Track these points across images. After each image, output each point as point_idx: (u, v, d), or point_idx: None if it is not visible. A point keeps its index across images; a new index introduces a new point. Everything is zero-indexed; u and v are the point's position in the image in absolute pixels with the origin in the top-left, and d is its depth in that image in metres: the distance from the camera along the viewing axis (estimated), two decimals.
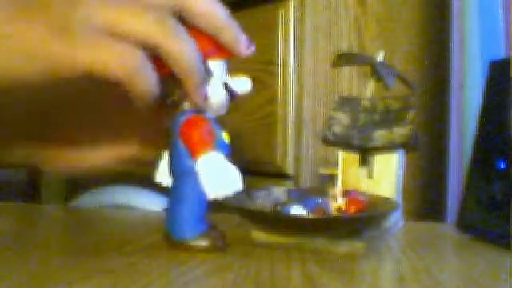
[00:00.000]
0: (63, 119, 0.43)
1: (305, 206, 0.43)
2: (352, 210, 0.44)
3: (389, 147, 0.49)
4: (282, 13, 0.90)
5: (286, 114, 0.89)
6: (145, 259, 0.37)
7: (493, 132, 0.47)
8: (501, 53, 0.85)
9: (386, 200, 0.45)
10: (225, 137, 0.39)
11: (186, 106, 0.38)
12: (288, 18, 0.89)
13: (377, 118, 0.51)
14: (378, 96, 0.53)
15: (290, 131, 0.89)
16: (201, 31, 0.36)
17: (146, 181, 0.46)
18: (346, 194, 0.45)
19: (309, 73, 0.89)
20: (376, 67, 0.53)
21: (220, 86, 0.38)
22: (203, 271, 0.34)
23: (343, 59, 0.58)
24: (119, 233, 0.47)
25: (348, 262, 0.38)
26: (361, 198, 0.45)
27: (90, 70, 0.33)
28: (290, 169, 0.89)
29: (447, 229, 0.58)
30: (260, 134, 0.93)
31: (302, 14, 0.89)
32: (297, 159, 0.89)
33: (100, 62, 0.33)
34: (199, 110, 0.38)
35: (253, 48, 0.38)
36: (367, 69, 0.55)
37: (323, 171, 0.67)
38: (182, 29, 0.34)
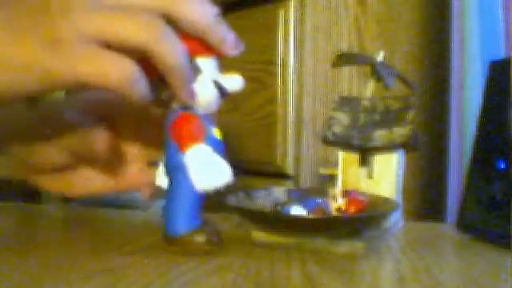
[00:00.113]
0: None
1: (305, 206, 0.43)
2: (352, 209, 0.44)
3: (389, 147, 0.49)
4: (282, 13, 0.90)
5: (285, 114, 0.89)
6: (145, 259, 0.37)
7: (493, 132, 0.47)
8: (501, 53, 0.85)
9: (386, 200, 0.45)
10: (216, 133, 0.40)
11: (175, 104, 0.39)
12: (288, 18, 0.89)
13: (377, 117, 0.51)
14: (377, 96, 0.53)
15: (290, 131, 0.89)
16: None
17: None
18: (345, 194, 0.45)
19: (309, 73, 0.89)
20: (376, 67, 0.53)
21: (209, 83, 0.39)
22: (203, 271, 0.34)
23: (343, 59, 0.58)
24: (119, 233, 0.47)
25: (348, 262, 0.38)
26: (361, 197, 0.45)
27: (84, 82, 0.34)
28: (290, 169, 0.89)
29: (447, 229, 0.58)
30: (260, 134, 0.93)
31: (301, 14, 0.89)
32: (297, 159, 0.89)
33: (94, 73, 0.34)
34: (189, 108, 0.38)
35: (241, 47, 0.39)
36: (367, 69, 0.55)
37: (323, 171, 0.67)
38: (169, 32, 0.35)
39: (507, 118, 0.45)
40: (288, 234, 0.41)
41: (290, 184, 0.89)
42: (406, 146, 0.49)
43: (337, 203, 0.45)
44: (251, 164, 0.95)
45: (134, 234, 0.43)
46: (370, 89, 0.54)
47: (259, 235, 0.42)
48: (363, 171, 0.50)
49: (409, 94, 0.52)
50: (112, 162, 0.45)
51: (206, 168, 0.37)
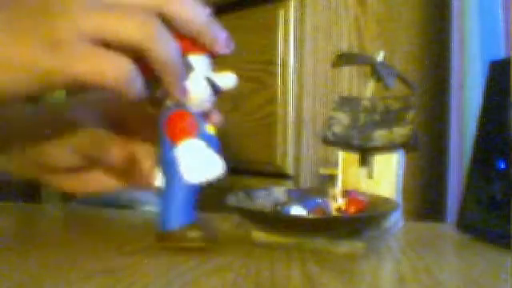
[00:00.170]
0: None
1: (305, 206, 0.43)
2: (352, 209, 0.44)
3: (389, 147, 0.49)
4: (282, 13, 0.90)
5: (285, 114, 0.89)
6: (145, 259, 0.37)
7: (493, 132, 0.47)
8: (501, 53, 0.85)
9: (386, 200, 0.45)
10: (209, 129, 0.40)
11: (169, 102, 0.39)
12: (288, 18, 0.89)
13: (377, 117, 0.51)
14: (377, 96, 0.53)
15: (290, 131, 0.89)
16: None
17: None
18: (345, 194, 0.45)
19: (309, 73, 0.89)
20: (376, 67, 0.53)
21: (202, 80, 0.39)
22: (203, 271, 0.34)
23: (343, 59, 0.58)
24: (119, 233, 0.47)
25: (348, 262, 0.38)
26: (361, 197, 0.45)
27: (82, 80, 0.35)
28: (290, 169, 0.89)
29: (447, 229, 0.58)
30: (260, 134, 0.93)
31: (302, 14, 0.89)
32: (297, 159, 0.89)
33: (91, 72, 0.34)
34: (182, 105, 0.39)
35: (232, 46, 0.40)
36: (367, 69, 0.55)
37: (323, 171, 0.67)
38: (164, 31, 0.36)
39: (507, 118, 0.45)
40: (288, 233, 0.41)
41: (290, 184, 0.89)
42: (406, 146, 0.49)
43: (337, 203, 0.45)
44: (251, 164, 0.95)
45: (134, 233, 0.43)
46: (369, 89, 0.54)
47: (259, 235, 0.42)
48: (363, 171, 0.50)
49: (409, 93, 0.52)
50: (124, 162, 0.45)
51: (197, 160, 0.37)
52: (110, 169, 0.45)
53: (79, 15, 0.34)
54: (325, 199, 0.45)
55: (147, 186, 0.45)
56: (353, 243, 0.40)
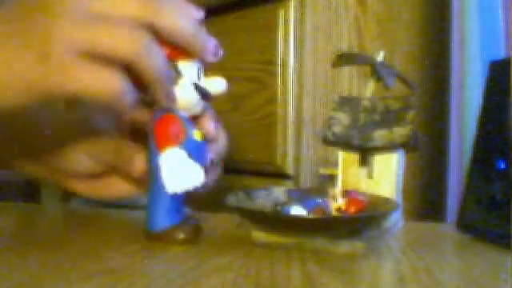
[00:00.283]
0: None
1: (305, 206, 0.43)
2: (352, 209, 0.44)
3: (389, 147, 0.49)
4: (282, 13, 0.90)
5: (285, 114, 0.89)
6: (145, 259, 0.37)
7: (493, 132, 0.47)
8: (501, 53, 0.85)
9: (386, 200, 0.45)
10: (197, 135, 0.41)
11: (157, 105, 0.40)
12: (288, 18, 0.89)
13: (377, 117, 0.51)
14: (378, 96, 0.53)
15: (290, 131, 0.89)
16: None
17: None
18: (345, 194, 0.45)
19: (309, 73, 0.89)
20: (376, 67, 0.53)
21: (190, 86, 0.40)
22: (203, 271, 0.34)
23: (343, 59, 0.58)
24: (119, 233, 0.47)
25: (348, 262, 0.38)
26: (361, 197, 0.45)
27: (73, 96, 0.35)
28: (290, 169, 0.89)
29: (447, 229, 0.58)
30: (260, 134, 0.93)
31: (302, 14, 0.89)
32: (297, 159, 0.89)
33: (82, 87, 0.35)
34: (171, 109, 0.40)
35: (220, 54, 0.41)
36: (367, 69, 0.55)
37: (323, 171, 0.67)
38: (152, 44, 0.37)
39: (507, 118, 0.45)
40: (288, 233, 0.41)
41: (290, 184, 0.89)
42: (406, 146, 0.49)
43: (337, 203, 0.45)
44: (251, 164, 0.95)
45: (134, 233, 0.43)
46: (369, 89, 0.54)
47: (259, 235, 0.42)
48: (363, 171, 0.50)
49: (409, 93, 0.52)
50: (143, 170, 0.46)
51: (176, 172, 0.39)
52: (128, 174, 0.46)
53: (69, 29, 0.35)
54: (325, 199, 0.45)
55: None
56: (353, 243, 0.40)
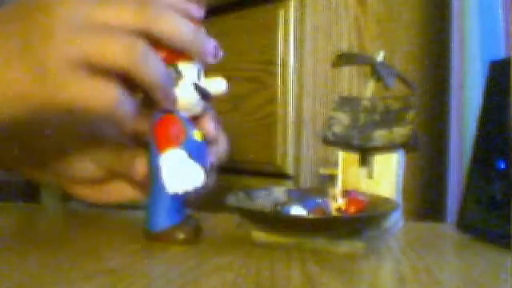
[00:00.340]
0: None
1: (305, 206, 0.43)
2: (352, 209, 0.44)
3: (389, 147, 0.49)
4: (282, 13, 0.90)
5: (286, 114, 0.89)
6: (145, 259, 0.37)
7: (493, 132, 0.47)
8: (501, 53, 0.85)
9: (386, 200, 0.45)
10: (197, 135, 0.41)
11: (157, 107, 0.40)
12: (288, 18, 0.89)
13: (377, 117, 0.51)
14: (378, 96, 0.53)
15: (290, 131, 0.89)
16: None
17: None
18: (345, 194, 0.45)
19: (309, 73, 0.89)
20: (376, 67, 0.53)
21: (190, 87, 0.40)
22: (203, 271, 0.34)
23: (343, 59, 0.58)
24: (119, 233, 0.47)
25: (348, 262, 0.38)
26: (361, 197, 0.45)
27: (69, 108, 0.35)
28: (290, 169, 0.89)
29: (447, 229, 0.58)
30: (260, 134, 0.93)
31: (302, 14, 0.89)
32: (297, 159, 0.89)
33: (81, 100, 0.35)
34: (171, 110, 0.40)
35: (220, 54, 0.41)
36: (367, 69, 0.55)
37: (323, 171, 0.67)
38: (149, 52, 0.36)
39: (507, 118, 0.45)
40: (288, 233, 0.41)
41: (290, 184, 0.89)
42: (406, 146, 0.49)
43: (337, 203, 0.45)
44: (251, 164, 0.95)
45: (134, 234, 0.43)
46: (369, 89, 0.54)
47: (259, 235, 0.42)
48: (363, 171, 0.50)
49: (409, 93, 0.52)
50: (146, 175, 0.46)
51: (177, 173, 0.39)
52: (130, 178, 0.46)
53: (63, 40, 0.34)
54: (325, 199, 0.45)
55: None
56: (353, 243, 0.40)
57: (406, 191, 0.51)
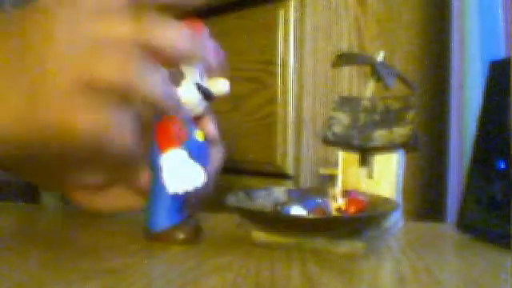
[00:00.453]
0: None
1: (305, 206, 0.43)
2: (352, 209, 0.44)
3: (389, 147, 0.49)
4: (282, 13, 0.90)
5: (286, 114, 0.89)
6: (145, 259, 0.37)
7: (493, 132, 0.47)
8: (501, 53, 0.85)
9: (386, 200, 0.45)
10: (198, 135, 0.42)
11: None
12: (288, 18, 0.89)
13: (377, 118, 0.51)
14: (378, 96, 0.53)
15: (290, 131, 0.89)
16: None
17: None
18: (345, 194, 0.45)
19: (309, 73, 0.89)
20: (376, 67, 0.53)
21: (192, 88, 0.41)
22: (203, 271, 0.34)
23: (343, 59, 0.58)
24: (119, 233, 0.47)
25: (348, 262, 0.38)
26: (361, 197, 0.45)
27: (72, 135, 0.34)
28: (290, 169, 0.89)
29: (447, 229, 0.58)
30: (260, 134, 0.93)
31: (301, 14, 0.89)
32: (297, 159, 0.89)
33: (77, 124, 0.34)
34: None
35: (221, 57, 0.40)
36: (367, 69, 0.55)
37: (323, 171, 0.67)
38: (146, 67, 0.35)
39: (507, 118, 0.45)
40: (288, 233, 0.41)
41: (290, 184, 0.89)
42: (406, 146, 0.49)
43: (337, 203, 0.45)
44: (251, 164, 0.94)
45: (134, 234, 0.43)
46: (369, 89, 0.54)
47: (259, 235, 0.42)
48: (363, 171, 0.50)
49: (409, 93, 0.52)
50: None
51: (177, 172, 0.39)
52: (133, 186, 0.46)
53: (62, 60, 0.33)
54: (325, 199, 0.45)
55: None
56: (353, 243, 0.40)
57: (406, 191, 0.51)
